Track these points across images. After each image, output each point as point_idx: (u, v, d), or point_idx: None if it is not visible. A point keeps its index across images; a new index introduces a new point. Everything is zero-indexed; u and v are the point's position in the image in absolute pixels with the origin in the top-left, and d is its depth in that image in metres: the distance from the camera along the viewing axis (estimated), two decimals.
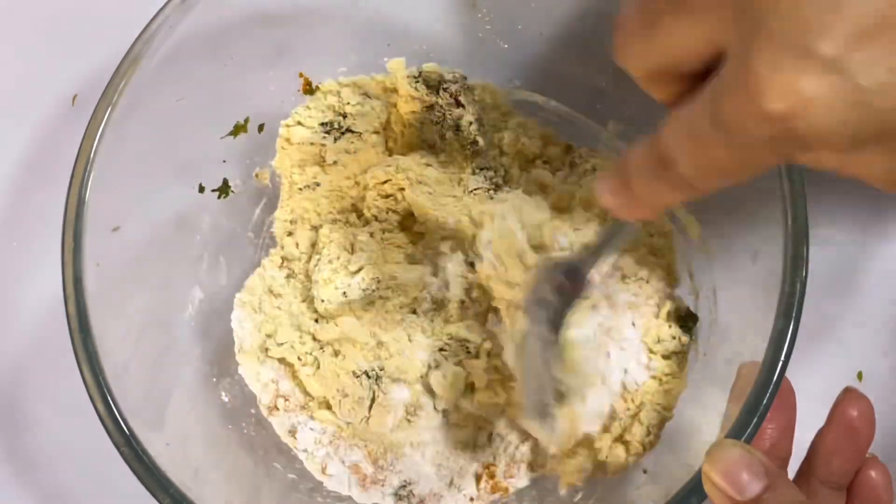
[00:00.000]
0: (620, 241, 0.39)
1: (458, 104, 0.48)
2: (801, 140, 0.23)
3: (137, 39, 0.41)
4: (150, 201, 0.45)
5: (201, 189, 0.47)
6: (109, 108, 0.41)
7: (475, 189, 0.48)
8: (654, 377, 0.44)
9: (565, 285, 0.40)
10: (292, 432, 0.47)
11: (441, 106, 0.48)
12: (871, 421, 0.39)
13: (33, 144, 0.54)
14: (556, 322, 0.40)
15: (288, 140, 0.50)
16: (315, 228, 0.49)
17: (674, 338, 0.44)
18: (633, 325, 0.45)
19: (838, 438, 0.39)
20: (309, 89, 0.49)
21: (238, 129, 0.48)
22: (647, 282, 0.45)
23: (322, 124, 0.49)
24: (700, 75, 0.25)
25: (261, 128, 0.49)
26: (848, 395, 0.39)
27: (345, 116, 0.49)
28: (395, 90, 0.49)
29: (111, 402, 0.38)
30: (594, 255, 0.39)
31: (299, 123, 0.49)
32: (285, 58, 0.48)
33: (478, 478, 0.47)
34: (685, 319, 0.45)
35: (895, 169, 0.25)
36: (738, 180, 0.27)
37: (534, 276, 0.41)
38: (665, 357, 0.44)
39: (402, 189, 0.47)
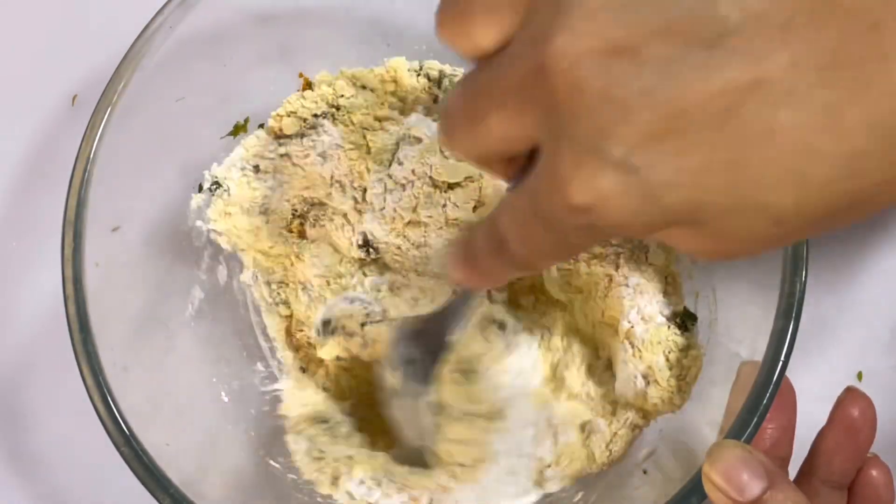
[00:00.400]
0: (471, 306, 0.42)
1: None
2: (604, 229, 0.26)
3: (137, 39, 0.41)
4: (150, 201, 0.45)
5: (200, 189, 0.47)
6: (109, 108, 0.41)
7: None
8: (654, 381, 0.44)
9: (428, 341, 0.43)
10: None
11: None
12: (872, 420, 0.39)
13: (33, 144, 0.54)
14: (425, 376, 0.43)
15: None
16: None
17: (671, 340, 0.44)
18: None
19: (839, 438, 0.39)
20: (309, 89, 0.49)
21: (238, 129, 0.48)
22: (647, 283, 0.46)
23: (315, 116, 0.49)
24: (531, 157, 0.27)
25: (261, 128, 0.49)
26: (849, 394, 0.39)
27: (338, 108, 0.49)
28: (394, 81, 0.49)
29: (111, 402, 0.38)
30: (449, 318, 0.42)
31: (291, 114, 0.49)
32: (285, 58, 0.48)
33: None
34: (683, 319, 0.45)
35: (700, 247, 0.27)
36: (564, 260, 0.30)
37: (394, 336, 0.44)
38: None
39: None
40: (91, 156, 0.40)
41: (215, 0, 0.42)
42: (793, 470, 0.40)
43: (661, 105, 0.23)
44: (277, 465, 0.46)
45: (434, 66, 0.49)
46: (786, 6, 0.22)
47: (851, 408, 0.39)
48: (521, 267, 0.30)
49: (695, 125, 0.23)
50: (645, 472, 0.43)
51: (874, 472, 0.39)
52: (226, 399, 0.47)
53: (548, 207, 0.26)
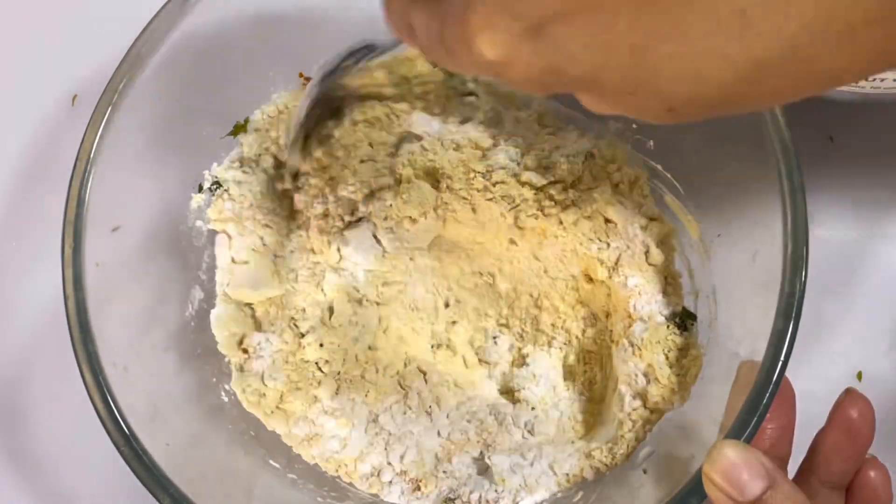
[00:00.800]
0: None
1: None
2: (505, 79, 0.27)
3: (137, 39, 0.41)
4: (150, 201, 0.45)
5: (200, 189, 0.47)
6: (109, 108, 0.41)
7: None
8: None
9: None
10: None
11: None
12: (871, 421, 0.39)
13: (33, 144, 0.54)
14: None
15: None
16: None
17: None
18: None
19: (838, 439, 0.39)
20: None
21: (238, 129, 0.48)
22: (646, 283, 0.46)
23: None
24: None
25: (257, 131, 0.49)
26: (849, 395, 0.39)
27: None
28: (407, 59, 0.48)
29: (111, 402, 0.38)
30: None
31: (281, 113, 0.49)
32: (285, 58, 0.48)
33: None
34: (683, 318, 0.45)
35: (600, 108, 0.28)
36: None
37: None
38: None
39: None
40: (91, 156, 0.40)
41: (215, 0, 0.42)
42: (791, 470, 0.40)
43: None
44: (277, 466, 0.46)
45: None
46: None
47: (850, 409, 0.39)
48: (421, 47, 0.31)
49: (609, 8, 0.24)
50: (645, 471, 0.43)
51: (872, 473, 0.39)
52: (225, 399, 0.47)
53: (452, 40, 0.27)
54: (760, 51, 0.24)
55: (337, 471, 0.46)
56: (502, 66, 0.26)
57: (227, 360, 0.47)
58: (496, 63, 0.26)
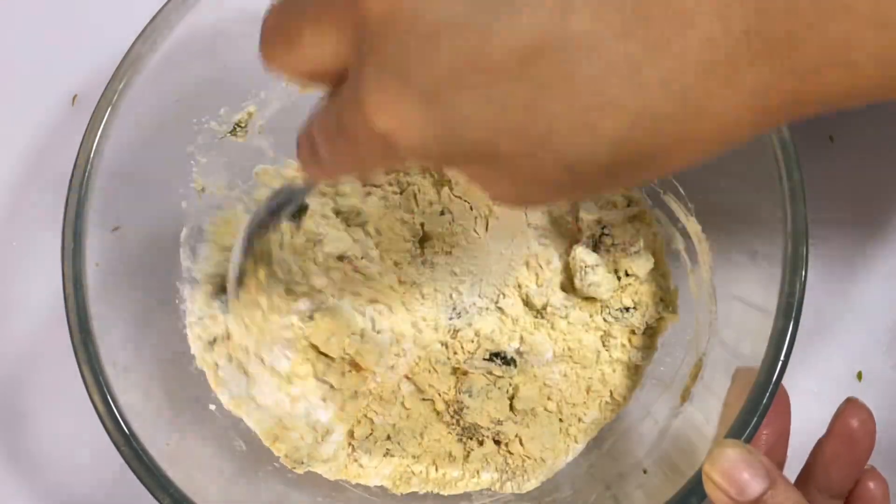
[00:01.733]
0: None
1: None
2: (402, 153, 0.26)
3: (137, 39, 0.41)
4: (150, 201, 0.45)
5: (202, 189, 0.47)
6: (109, 108, 0.41)
7: None
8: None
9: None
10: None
11: None
12: (871, 431, 0.39)
13: (33, 144, 0.54)
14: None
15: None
16: None
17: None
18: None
19: (838, 448, 0.39)
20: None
21: (238, 129, 0.48)
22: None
23: None
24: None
25: (261, 129, 0.49)
26: (850, 405, 0.39)
27: None
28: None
29: (111, 402, 0.38)
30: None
31: None
32: None
33: None
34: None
35: (497, 188, 0.28)
36: (367, 173, 0.30)
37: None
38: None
39: None
40: (91, 156, 0.40)
41: (215, 0, 0.42)
42: (791, 476, 0.40)
43: (469, 42, 0.24)
44: (277, 466, 0.46)
45: None
46: None
47: (851, 418, 0.39)
48: (332, 171, 0.31)
49: (498, 68, 0.24)
50: (645, 471, 0.43)
51: (871, 485, 0.39)
52: (226, 398, 0.47)
53: (349, 127, 0.27)
54: (652, 97, 0.24)
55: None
56: (396, 133, 0.25)
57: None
58: (390, 132, 0.25)
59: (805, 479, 0.40)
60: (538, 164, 0.25)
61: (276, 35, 0.29)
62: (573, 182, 0.26)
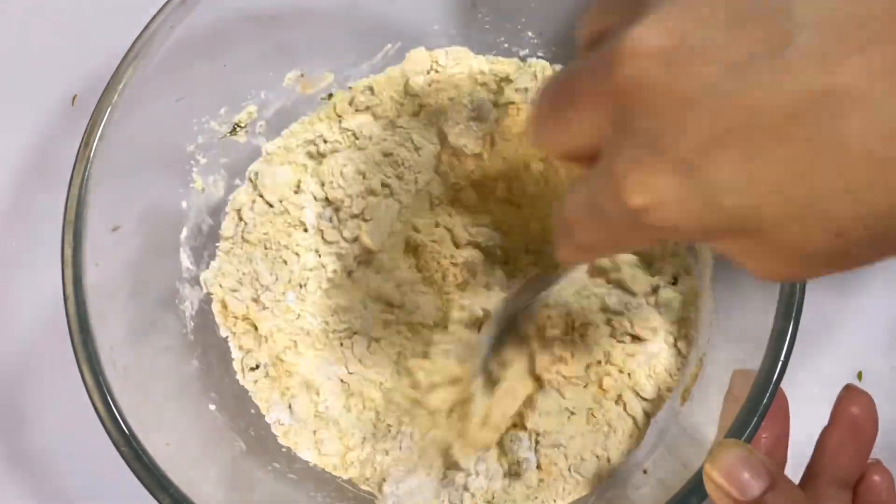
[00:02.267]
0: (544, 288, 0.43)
1: None
2: (658, 230, 0.25)
3: (137, 39, 0.41)
4: (151, 201, 0.45)
5: (202, 189, 0.47)
6: (109, 108, 0.41)
7: None
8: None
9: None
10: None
11: None
12: (873, 416, 0.39)
13: (33, 144, 0.54)
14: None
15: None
16: None
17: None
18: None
19: (842, 436, 0.39)
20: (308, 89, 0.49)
21: (238, 129, 0.48)
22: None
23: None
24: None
25: (261, 129, 0.49)
26: (848, 392, 0.39)
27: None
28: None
29: (111, 402, 0.38)
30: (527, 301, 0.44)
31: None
32: (285, 58, 0.48)
33: None
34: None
35: (759, 261, 0.26)
36: (624, 252, 0.30)
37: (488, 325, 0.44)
38: None
39: None
40: (91, 156, 0.40)
41: (215, 0, 0.42)
42: (795, 476, 0.40)
43: (727, 107, 0.23)
44: (278, 466, 0.46)
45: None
46: (862, 8, 0.22)
47: (852, 406, 0.39)
48: (589, 253, 0.31)
49: (761, 130, 0.22)
50: (645, 471, 0.43)
51: (876, 478, 0.39)
52: (226, 398, 0.47)
53: (603, 206, 0.26)
54: None
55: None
56: (651, 210, 0.24)
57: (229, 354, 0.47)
58: (644, 209, 0.24)
59: (814, 472, 0.40)
60: (804, 230, 0.24)
61: (543, 110, 0.28)
62: (841, 250, 0.24)
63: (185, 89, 0.44)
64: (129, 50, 0.41)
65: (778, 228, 0.24)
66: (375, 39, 0.49)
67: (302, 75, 0.49)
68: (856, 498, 0.40)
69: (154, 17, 0.41)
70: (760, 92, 0.22)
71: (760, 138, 0.23)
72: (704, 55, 0.23)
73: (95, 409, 0.38)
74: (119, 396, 0.39)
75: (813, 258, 0.25)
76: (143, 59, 0.41)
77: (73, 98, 0.54)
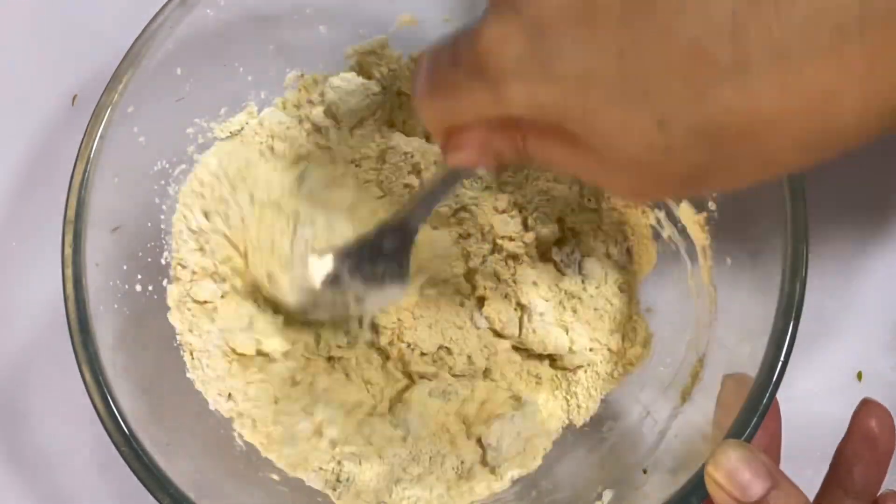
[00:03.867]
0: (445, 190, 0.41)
1: None
2: (493, 78, 0.28)
3: (137, 39, 0.41)
4: (150, 201, 0.45)
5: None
6: (109, 108, 0.41)
7: None
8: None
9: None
10: None
11: None
12: (890, 428, 0.39)
13: (33, 144, 0.54)
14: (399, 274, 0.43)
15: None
16: None
17: None
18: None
19: (857, 448, 0.39)
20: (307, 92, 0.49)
21: (238, 129, 0.48)
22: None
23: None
24: None
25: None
26: (865, 405, 0.39)
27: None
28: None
29: (111, 402, 0.38)
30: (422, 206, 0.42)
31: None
32: (285, 58, 0.48)
33: None
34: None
35: (583, 162, 0.28)
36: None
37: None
38: None
39: None
40: (91, 156, 0.40)
41: (215, 0, 0.42)
42: (791, 474, 0.40)
43: None
44: (278, 466, 0.46)
45: None
46: None
47: (868, 419, 0.39)
48: (445, 114, 0.32)
49: (601, 12, 0.25)
50: (645, 471, 0.43)
51: None
52: (226, 398, 0.47)
53: (460, 52, 0.29)
54: (743, 56, 0.23)
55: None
56: (495, 55, 0.27)
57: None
58: (488, 50, 0.27)
59: (831, 484, 0.40)
60: (628, 116, 0.25)
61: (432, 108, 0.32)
62: (662, 146, 0.26)
63: (186, 89, 0.44)
64: (129, 50, 0.41)
65: (601, 113, 0.26)
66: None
67: (302, 75, 0.49)
68: None
69: (154, 17, 0.41)
70: None
71: (598, 20, 0.25)
72: None
73: (95, 409, 0.38)
74: (119, 396, 0.39)
75: (646, 160, 0.26)
76: (144, 58, 0.41)
77: (74, 98, 0.54)
